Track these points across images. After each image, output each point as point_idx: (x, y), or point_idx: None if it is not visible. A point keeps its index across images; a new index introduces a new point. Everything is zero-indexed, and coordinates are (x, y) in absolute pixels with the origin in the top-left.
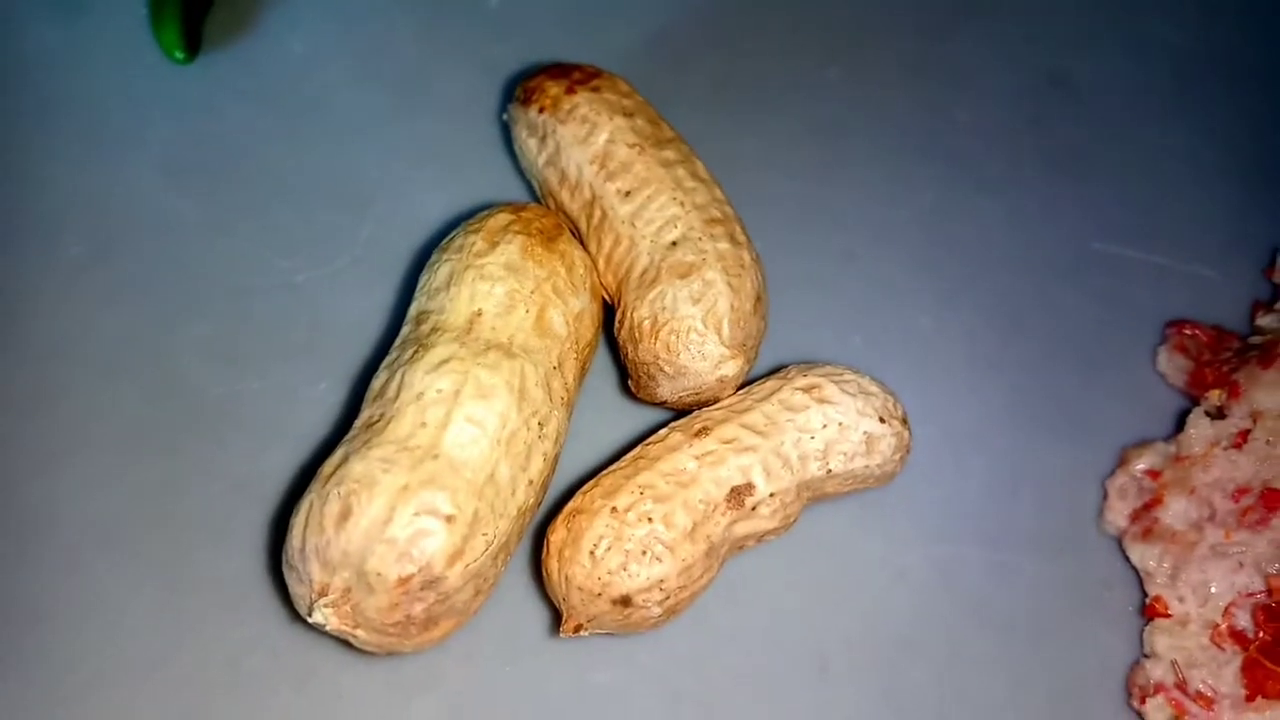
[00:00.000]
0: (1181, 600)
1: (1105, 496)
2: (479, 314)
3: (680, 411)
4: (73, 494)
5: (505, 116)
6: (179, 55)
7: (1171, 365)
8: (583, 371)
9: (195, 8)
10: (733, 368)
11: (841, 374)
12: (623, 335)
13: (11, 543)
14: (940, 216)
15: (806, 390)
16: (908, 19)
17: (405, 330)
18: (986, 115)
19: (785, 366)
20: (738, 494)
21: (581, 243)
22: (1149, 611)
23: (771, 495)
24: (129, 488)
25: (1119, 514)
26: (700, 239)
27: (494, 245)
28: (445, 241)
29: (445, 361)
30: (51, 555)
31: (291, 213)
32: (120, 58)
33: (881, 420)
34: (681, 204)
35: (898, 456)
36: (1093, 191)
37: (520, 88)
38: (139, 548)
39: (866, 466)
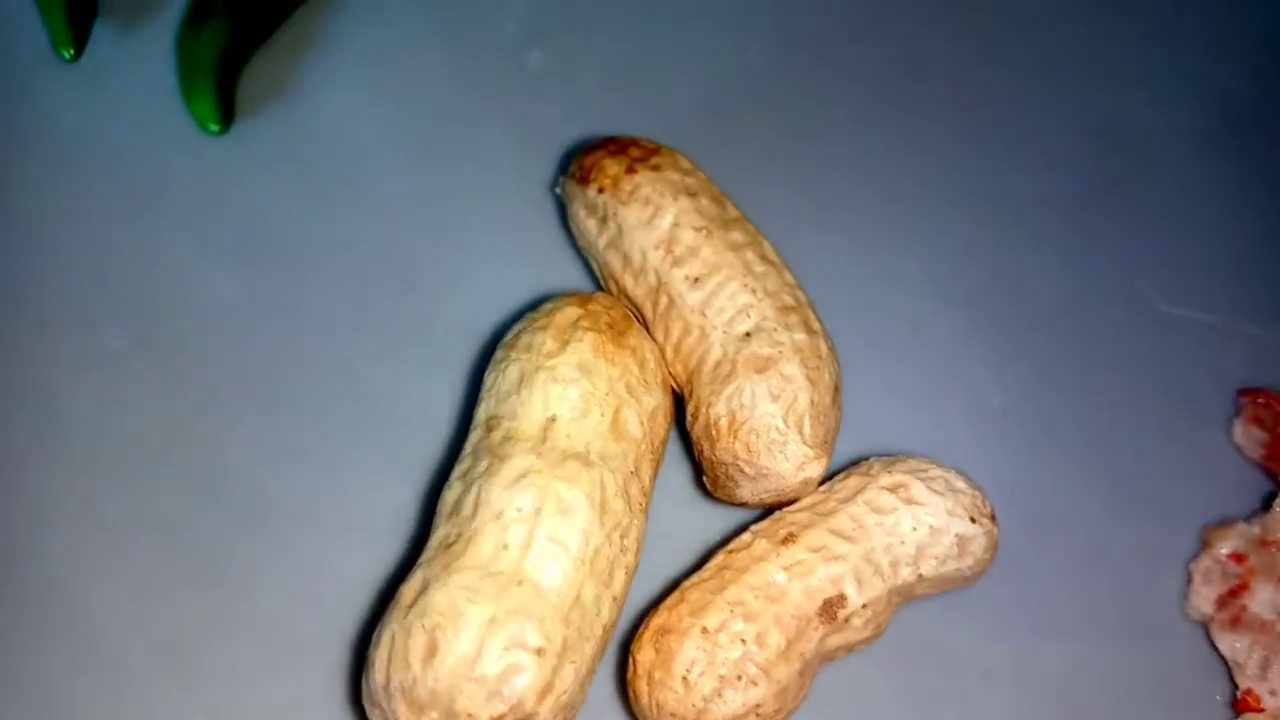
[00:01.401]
0: (1274, 694)
1: (1189, 581)
2: (553, 420)
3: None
4: (119, 605)
5: (558, 190)
6: (214, 127)
7: (1247, 437)
8: (656, 470)
9: (229, 75)
10: (816, 468)
11: (927, 470)
12: (697, 431)
13: (57, 661)
14: (1004, 282)
15: (893, 490)
16: (969, 77)
17: (475, 436)
18: (1049, 173)
19: (864, 459)
20: (830, 606)
21: (646, 328)
22: (1240, 706)
23: (864, 606)
24: (179, 599)
25: (1204, 600)
26: (775, 329)
27: (564, 344)
28: (511, 338)
29: (523, 476)
30: (97, 675)
31: (338, 292)
32: (150, 130)
33: (972, 520)
34: (753, 291)
35: (988, 555)
36: (1159, 252)
37: (575, 164)
38: (194, 667)
39: (958, 569)
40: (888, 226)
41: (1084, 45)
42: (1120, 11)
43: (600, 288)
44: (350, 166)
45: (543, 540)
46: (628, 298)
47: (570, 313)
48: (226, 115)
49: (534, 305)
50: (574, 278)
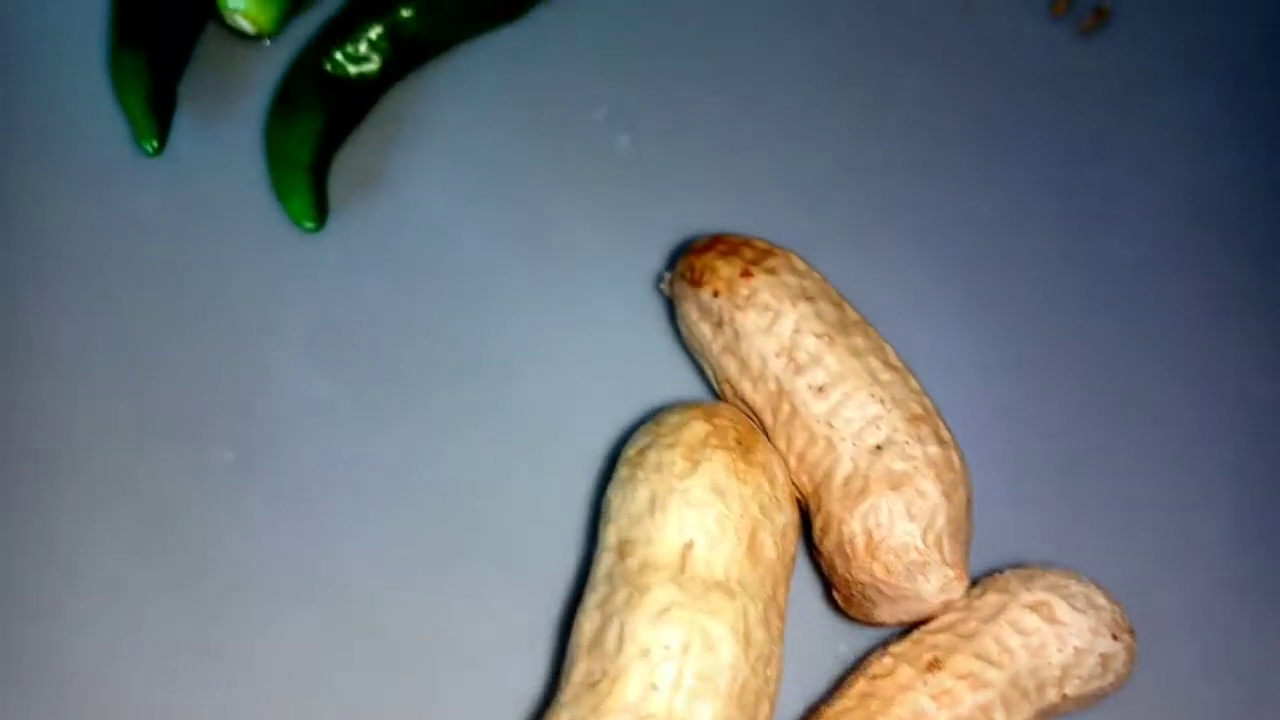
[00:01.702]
0: None
1: None
2: (690, 546)
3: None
4: None
5: (663, 287)
6: (309, 224)
7: None
8: (789, 590)
9: (322, 169)
10: (958, 589)
11: (1067, 586)
12: (828, 547)
13: None
14: (1101, 362)
15: (1035, 609)
16: (1056, 146)
17: (608, 560)
18: (1137, 248)
19: (997, 572)
20: None
21: (766, 434)
22: None
23: None
24: None
25: None
26: (907, 442)
27: (696, 465)
28: (635, 453)
29: (667, 610)
30: None
31: (443, 394)
32: (239, 225)
33: (1114, 637)
34: (881, 401)
35: (1127, 670)
36: (1252, 329)
37: (685, 264)
38: None
39: (1100, 687)
40: (982, 305)
41: (1174, 110)
42: (1210, 76)
43: (714, 391)
44: (447, 261)
45: (691, 678)
46: (745, 404)
47: (698, 429)
48: (321, 212)
49: (648, 412)
50: (684, 378)
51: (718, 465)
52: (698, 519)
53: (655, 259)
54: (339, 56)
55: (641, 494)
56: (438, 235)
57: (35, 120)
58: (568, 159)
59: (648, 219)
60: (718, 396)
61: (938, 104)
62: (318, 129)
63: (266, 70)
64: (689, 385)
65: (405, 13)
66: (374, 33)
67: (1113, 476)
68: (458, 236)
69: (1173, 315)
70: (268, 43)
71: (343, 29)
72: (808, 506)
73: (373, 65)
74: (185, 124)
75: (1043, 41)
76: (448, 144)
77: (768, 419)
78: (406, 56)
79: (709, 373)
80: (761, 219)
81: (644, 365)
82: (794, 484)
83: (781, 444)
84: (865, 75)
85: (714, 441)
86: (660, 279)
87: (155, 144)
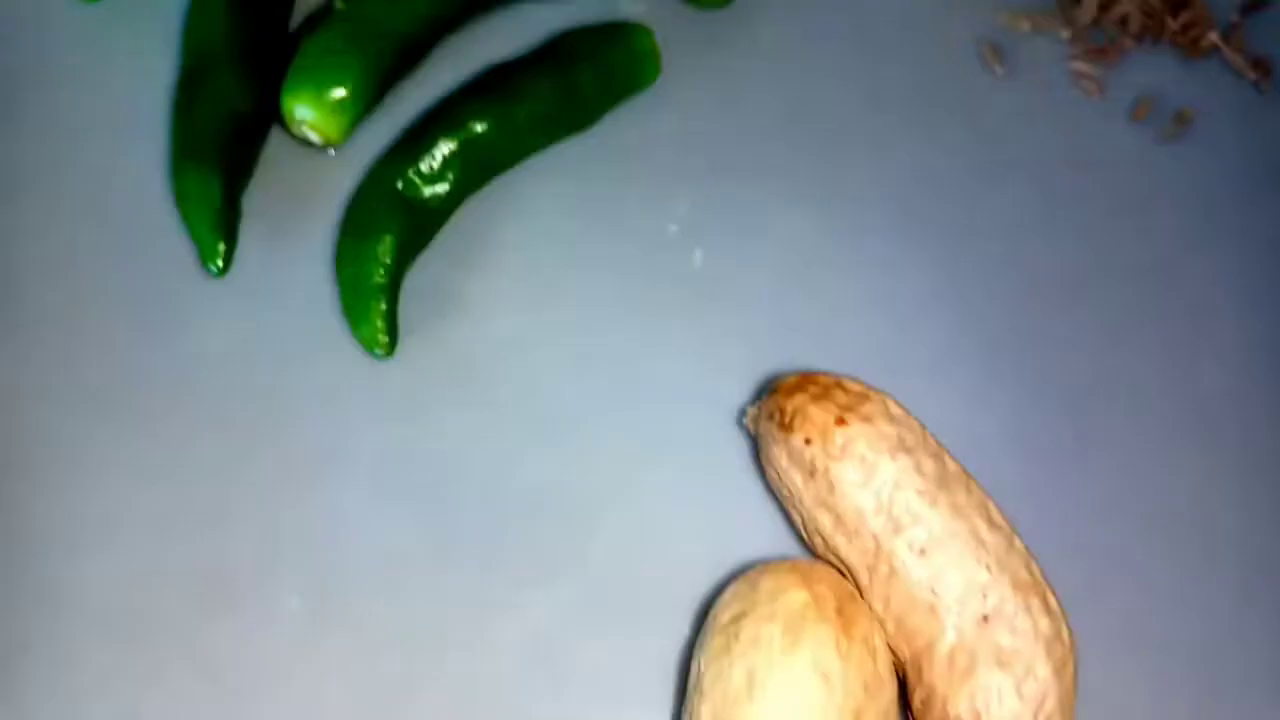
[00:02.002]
0: None
1: None
2: None
3: None
4: None
5: (746, 422)
6: (380, 351)
7: None
8: None
9: (393, 293)
10: None
11: None
12: None
13: None
14: (1201, 503)
15: None
16: (1143, 258)
17: None
18: (1233, 371)
19: None
20: None
21: (859, 590)
22: None
23: None
24: None
25: None
26: (1015, 614)
27: (796, 641)
28: (730, 621)
29: None
30: None
31: (518, 535)
32: (306, 349)
33: None
34: (988, 567)
35: None
36: None
37: (773, 405)
38: None
39: None
40: (1081, 437)
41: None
42: None
43: (802, 538)
44: (519, 388)
45: None
46: (839, 559)
47: (796, 598)
48: (392, 337)
49: (734, 559)
50: (769, 517)
51: (820, 641)
52: (800, 701)
53: (735, 387)
54: (412, 176)
55: (738, 671)
56: (509, 360)
57: (95, 238)
58: (640, 277)
59: (726, 343)
60: (806, 545)
61: (1025, 221)
62: (391, 252)
63: (333, 180)
64: (775, 527)
65: (479, 127)
66: (447, 150)
67: (1206, 618)
68: (529, 362)
69: (1263, 446)
70: (333, 152)
71: (415, 147)
72: (905, 674)
73: (446, 184)
74: (250, 239)
75: (1125, 149)
76: (518, 261)
77: (863, 578)
78: (479, 172)
79: (798, 520)
80: (844, 347)
81: (727, 503)
82: (891, 647)
83: (878, 605)
84: (951, 194)
85: (814, 614)
86: (743, 414)
87: (220, 264)
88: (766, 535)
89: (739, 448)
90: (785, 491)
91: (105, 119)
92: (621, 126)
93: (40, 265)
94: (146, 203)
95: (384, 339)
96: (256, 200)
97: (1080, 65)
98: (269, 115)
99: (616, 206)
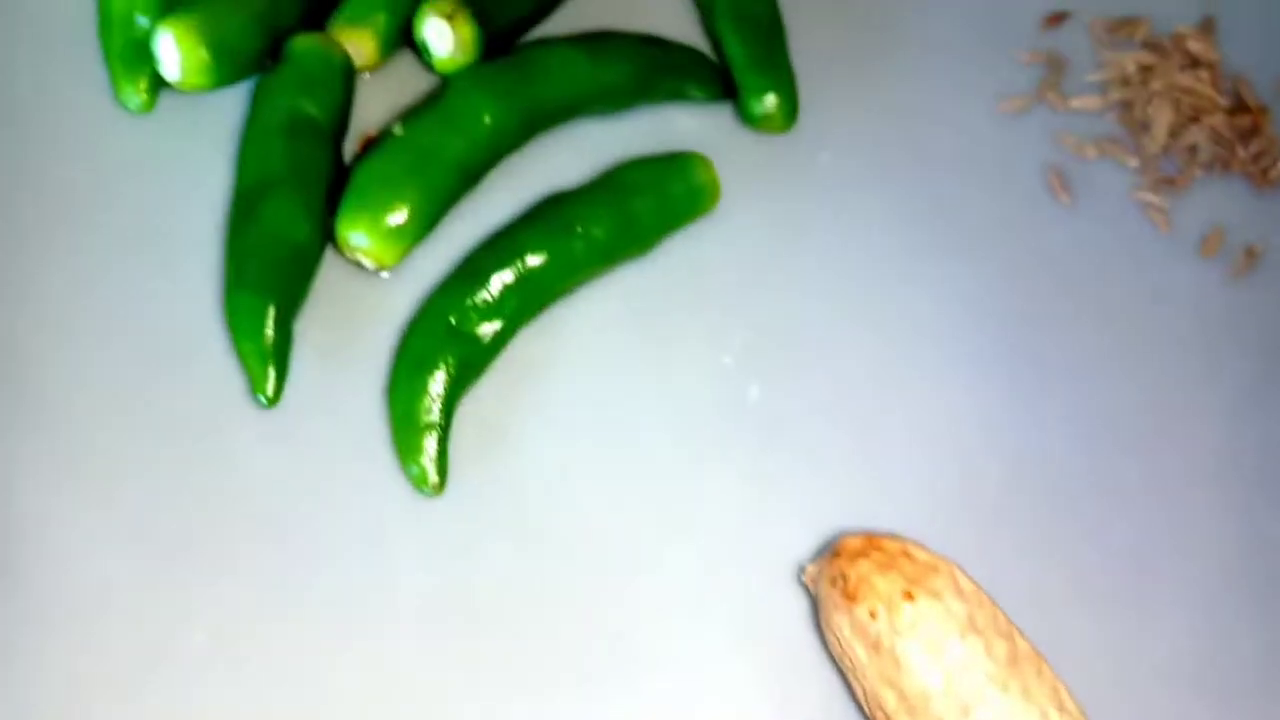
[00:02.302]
0: None
1: None
2: None
3: None
4: None
5: (805, 579)
6: (429, 488)
7: None
8: None
9: (445, 429)
10: None
11: None
12: None
13: None
14: (1268, 669)
15: None
16: (1213, 399)
17: None
18: None
19: None
20: None
21: None
22: None
23: None
24: None
25: None
26: None
27: None
28: None
29: None
30: None
31: (560, 675)
32: (354, 484)
33: None
34: None
35: None
36: None
37: (837, 571)
38: None
39: None
40: (1147, 611)
41: None
42: None
43: (862, 710)
44: (570, 526)
45: None
46: None
47: None
48: (443, 474)
49: None
50: (826, 681)
51: None
52: None
53: (791, 533)
54: (468, 309)
55: None
56: (561, 497)
57: (142, 360)
58: (694, 412)
59: (780, 485)
60: (867, 716)
61: (1090, 359)
62: (444, 388)
63: (387, 305)
64: (832, 691)
65: (535, 260)
66: (502, 283)
67: None
68: (581, 500)
69: None
70: (386, 274)
71: (470, 280)
72: None
73: (501, 319)
74: (301, 364)
75: (1193, 285)
76: (569, 392)
77: None
78: (534, 304)
79: (859, 692)
80: (903, 490)
81: (781, 662)
82: None
83: None
84: (1014, 328)
85: None
86: (802, 570)
87: (271, 395)
88: (822, 700)
89: (795, 602)
90: (847, 662)
91: (156, 235)
92: (676, 252)
93: (84, 386)
94: (196, 325)
95: (435, 479)
96: (308, 323)
97: (1148, 196)
98: (324, 240)
99: (670, 336)
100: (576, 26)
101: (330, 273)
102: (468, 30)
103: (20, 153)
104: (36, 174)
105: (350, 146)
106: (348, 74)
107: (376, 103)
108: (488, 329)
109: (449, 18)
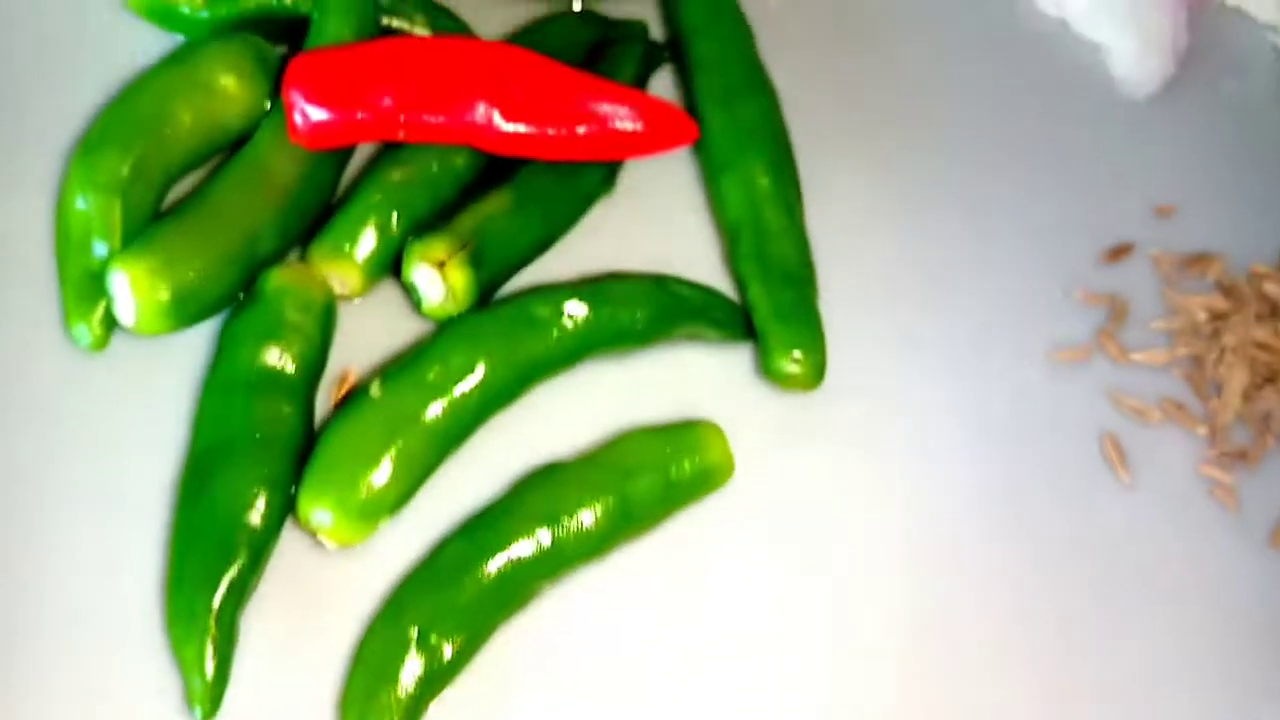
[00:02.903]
0: None
1: None
2: None
3: None
4: None
5: None
6: None
7: None
8: None
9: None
10: None
11: None
12: None
13: None
14: None
15: None
16: None
17: None
18: None
19: None
20: None
21: None
22: None
23: None
24: None
25: None
26: None
27: None
28: None
29: None
30: None
31: None
32: None
33: None
34: None
35: None
36: None
37: None
38: None
39: None
40: None
41: None
42: None
43: None
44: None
45: None
46: None
47: None
48: None
49: None
50: None
51: None
52: None
53: None
54: (434, 616)
55: None
56: None
57: (75, 662)
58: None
59: None
60: None
61: (1151, 664)
62: (406, 703)
63: (345, 584)
64: None
65: (515, 555)
66: (477, 585)
67: None
68: None
69: None
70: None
71: (440, 578)
72: None
73: (471, 628)
74: (246, 658)
75: (1264, 579)
76: (553, 698)
77: None
78: (511, 605)
79: None
80: None
81: None
82: None
83: None
84: (1066, 619)
85: None
86: None
87: (208, 709)
88: None
89: None
90: None
91: (98, 495)
92: (683, 528)
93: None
94: (134, 614)
95: None
96: (258, 600)
97: (1215, 472)
98: (284, 513)
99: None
100: (588, 259)
101: (287, 541)
102: (461, 279)
103: None
104: None
105: (328, 381)
106: (327, 313)
107: (360, 332)
108: (457, 638)
109: (439, 266)
